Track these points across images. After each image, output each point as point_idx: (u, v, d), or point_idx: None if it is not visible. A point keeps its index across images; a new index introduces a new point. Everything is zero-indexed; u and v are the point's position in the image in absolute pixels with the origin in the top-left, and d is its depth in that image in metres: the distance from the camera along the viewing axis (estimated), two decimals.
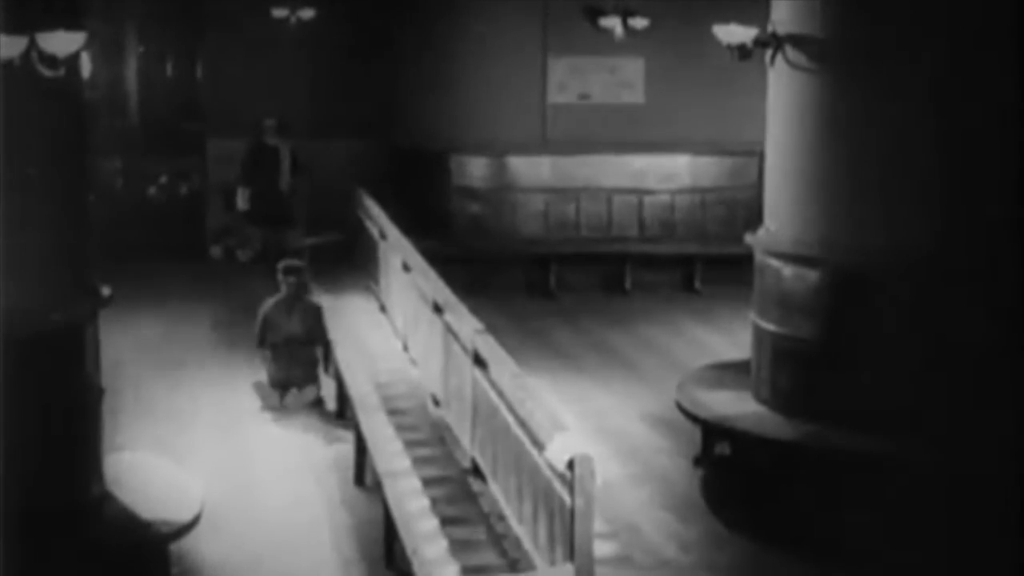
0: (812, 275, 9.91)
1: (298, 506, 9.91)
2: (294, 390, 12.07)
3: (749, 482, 9.97)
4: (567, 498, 6.21)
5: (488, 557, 7.24)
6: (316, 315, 12.34)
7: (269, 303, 12.30)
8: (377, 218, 13.62)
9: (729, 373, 11.10)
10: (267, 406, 12.03)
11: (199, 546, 8.85)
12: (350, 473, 10.34)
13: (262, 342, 12.26)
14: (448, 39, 17.76)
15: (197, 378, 13.18)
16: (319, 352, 12.40)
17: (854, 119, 9.75)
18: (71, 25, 7.55)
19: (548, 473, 6.56)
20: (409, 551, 7.45)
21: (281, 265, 12.43)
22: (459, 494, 8.15)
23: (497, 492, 7.80)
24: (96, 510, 8.31)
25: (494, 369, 7.88)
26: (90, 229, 8.55)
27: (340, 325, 12.46)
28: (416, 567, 7.24)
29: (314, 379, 12.20)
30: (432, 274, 10.41)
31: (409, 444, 9.08)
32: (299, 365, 12.12)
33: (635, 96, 17.90)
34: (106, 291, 8.48)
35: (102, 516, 8.30)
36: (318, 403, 12.10)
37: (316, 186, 17.89)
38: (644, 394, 12.67)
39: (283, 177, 17.45)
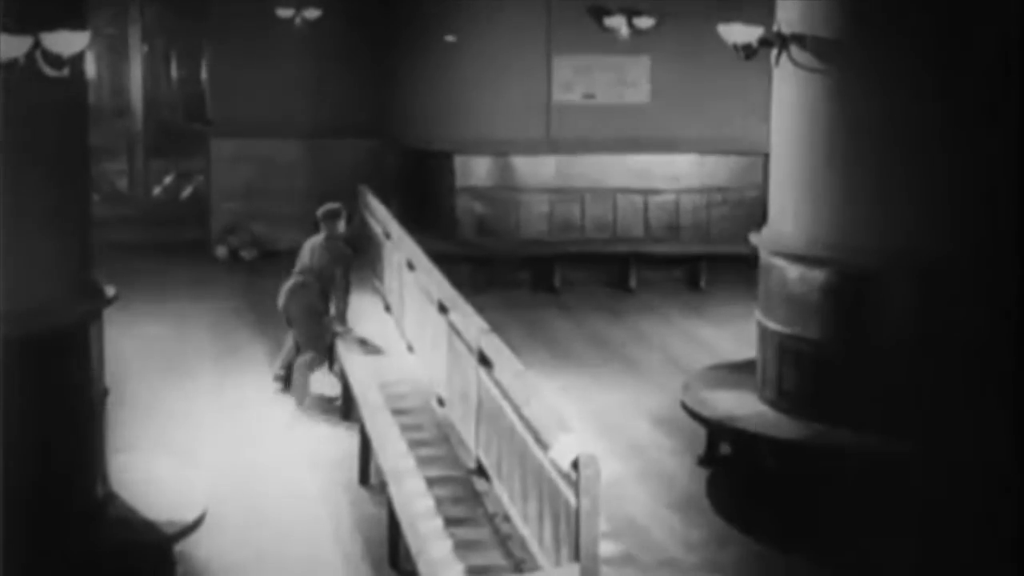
0: (817, 275, 9.89)
1: (302, 506, 9.90)
2: (303, 361, 12.11)
3: (754, 482, 9.97)
4: (572, 498, 6.19)
5: (493, 557, 7.22)
6: (338, 257, 12.45)
7: (308, 240, 12.64)
8: (382, 217, 13.61)
9: (734, 373, 11.08)
10: (299, 401, 12.09)
11: (203, 546, 8.84)
12: (355, 473, 10.34)
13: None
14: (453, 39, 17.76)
15: (201, 378, 13.17)
16: (328, 321, 12.37)
17: (860, 119, 9.74)
18: (75, 25, 7.54)
19: (553, 473, 6.54)
20: (414, 551, 7.44)
21: (320, 211, 12.70)
22: (464, 494, 8.13)
23: (502, 492, 7.78)
24: (100, 511, 8.31)
25: (499, 369, 7.87)
26: (93, 229, 8.54)
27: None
28: (421, 567, 7.23)
29: (320, 350, 12.27)
30: (437, 274, 10.39)
31: (414, 444, 9.07)
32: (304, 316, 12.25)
33: (640, 96, 17.87)
34: (110, 291, 8.48)
35: (106, 517, 8.30)
36: (325, 401, 12.11)
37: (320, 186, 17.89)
38: (649, 393, 12.65)
39: None
